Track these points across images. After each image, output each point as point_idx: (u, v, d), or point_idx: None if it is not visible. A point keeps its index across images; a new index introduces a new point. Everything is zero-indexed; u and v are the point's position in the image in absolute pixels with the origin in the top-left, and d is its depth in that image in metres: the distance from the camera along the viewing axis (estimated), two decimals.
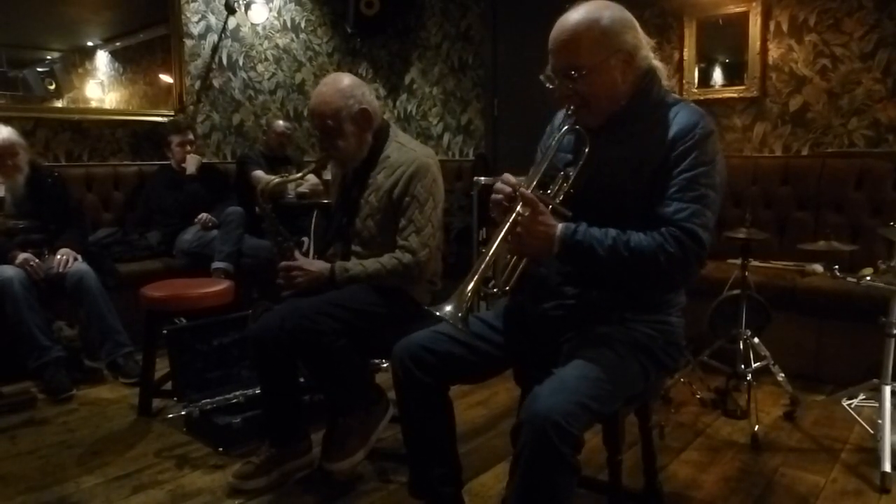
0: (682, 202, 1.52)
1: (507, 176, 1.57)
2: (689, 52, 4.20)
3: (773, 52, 3.94)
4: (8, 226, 3.13)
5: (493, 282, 1.65)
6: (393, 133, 2.38)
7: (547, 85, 1.64)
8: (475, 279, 1.47)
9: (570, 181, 1.62)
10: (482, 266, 1.48)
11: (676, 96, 1.69)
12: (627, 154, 1.60)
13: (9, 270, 3.12)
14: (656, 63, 1.65)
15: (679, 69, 4.25)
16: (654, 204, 1.55)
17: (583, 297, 1.66)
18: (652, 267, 1.50)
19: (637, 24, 1.62)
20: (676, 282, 1.61)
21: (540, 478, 1.40)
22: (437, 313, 1.46)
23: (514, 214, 1.51)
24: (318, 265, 2.28)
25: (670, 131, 1.57)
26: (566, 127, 1.64)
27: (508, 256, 1.62)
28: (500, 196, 1.55)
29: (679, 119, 1.58)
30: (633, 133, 1.61)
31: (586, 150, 1.62)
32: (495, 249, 1.50)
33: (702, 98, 4.16)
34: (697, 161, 1.54)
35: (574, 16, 1.57)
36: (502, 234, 1.51)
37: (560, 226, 1.53)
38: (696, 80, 4.22)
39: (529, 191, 1.53)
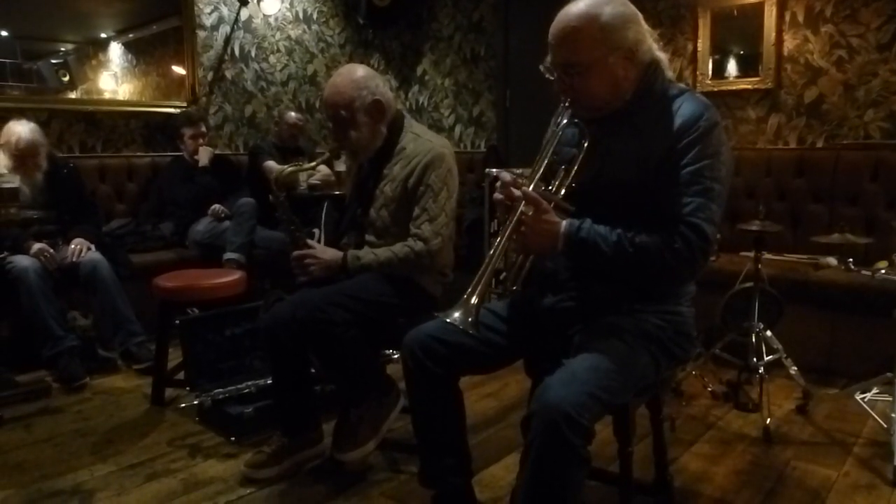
0: (687, 196, 1.50)
1: (505, 174, 1.58)
2: (703, 44, 4.16)
3: (789, 44, 3.90)
4: (23, 216, 3.16)
5: (503, 274, 1.66)
6: (408, 124, 2.37)
7: (547, 76, 1.63)
8: (483, 282, 1.49)
9: (572, 175, 1.63)
10: (489, 269, 1.49)
11: (681, 86, 1.66)
12: (632, 148, 1.59)
13: (24, 260, 3.14)
14: (659, 54, 1.63)
15: (693, 60, 4.21)
16: (659, 198, 1.54)
17: (591, 290, 1.66)
18: (657, 263, 1.50)
19: (640, 17, 1.59)
20: (683, 277, 1.61)
21: (550, 469, 1.40)
22: (447, 320, 1.48)
23: (517, 214, 1.51)
24: (330, 253, 2.29)
25: (674, 123, 1.55)
26: (564, 121, 1.64)
27: (515, 255, 1.62)
28: (501, 195, 1.56)
29: (683, 111, 1.56)
30: (637, 126, 1.60)
31: (586, 143, 1.62)
32: (501, 250, 1.51)
33: (716, 90, 4.13)
34: (702, 154, 1.51)
35: (574, 9, 1.54)
36: (507, 233, 1.52)
37: (564, 223, 1.53)
38: (710, 72, 4.18)
39: (531, 187, 1.54)
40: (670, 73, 1.66)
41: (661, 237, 1.49)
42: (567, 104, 1.63)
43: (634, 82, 1.60)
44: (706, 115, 1.54)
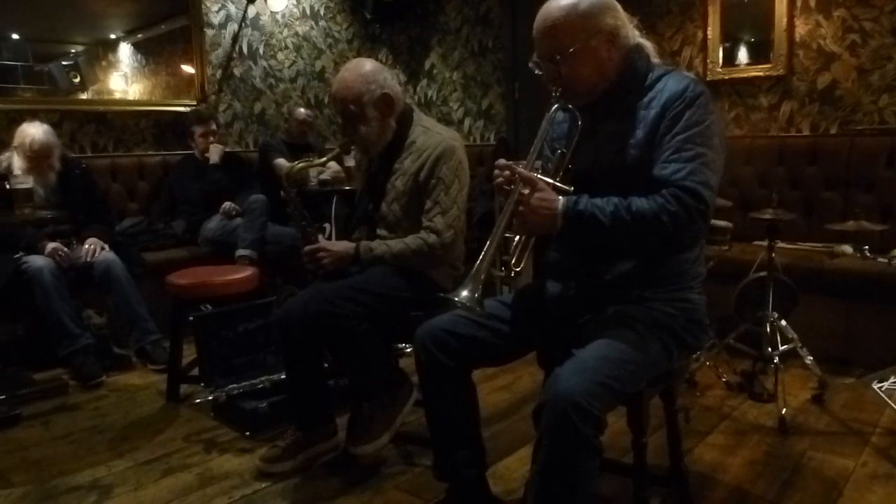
0: (679, 163, 1.53)
1: (501, 161, 1.61)
2: (713, 31, 4.12)
3: (801, 29, 3.85)
4: (37, 216, 3.19)
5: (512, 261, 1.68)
6: (417, 118, 2.37)
7: (535, 71, 1.70)
8: (486, 262, 1.52)
9: (567, 158, 1.68)
10: (491, 248, 1.53)
11: (667, 67, 1.70)
12: (623, 128, 1.63)
13: (39, 260, 3.17)
14: (643, 40, 1.69)
15: (703, 48, 4.17)
16: (653, 169, 1.56)
17: (598, 276, 1.66)
18: (656, 228, 1.50)
19: (617, 5, 1.67)
20: (682, 241, 1.60)
21: (562, 459, 1.40)
22: (455, 299, 1.49)
23: (515, 195, 1.54)
24: (342, 245, 2.30)
25: (661, 99, 1.59)
26: (554, 106, 1.68)
27: (517, 237, 1.65)
28: (500, 179, 1.59)
29: (669, 86, 1.61)
30: (626, 108, 1.64)
31: (579, 125, 1.68)
32: (501, 230, 1.54)
33: (727, 77, 4.10)
34: (690, 122, 1.55)
35: (553, 4, 1.64)
36: (507, 215, 1.55)
37: (561, 199, 1.55)
38: (721, 60, 4.14)
39: (528, 169, 1.58)
40: (657, 59, 1.71)
41: (658, 202, 1.50)
42: (557, 93, 1.67)
43: (619, 64, 1.65)
44: (691, 87, 1.58)
